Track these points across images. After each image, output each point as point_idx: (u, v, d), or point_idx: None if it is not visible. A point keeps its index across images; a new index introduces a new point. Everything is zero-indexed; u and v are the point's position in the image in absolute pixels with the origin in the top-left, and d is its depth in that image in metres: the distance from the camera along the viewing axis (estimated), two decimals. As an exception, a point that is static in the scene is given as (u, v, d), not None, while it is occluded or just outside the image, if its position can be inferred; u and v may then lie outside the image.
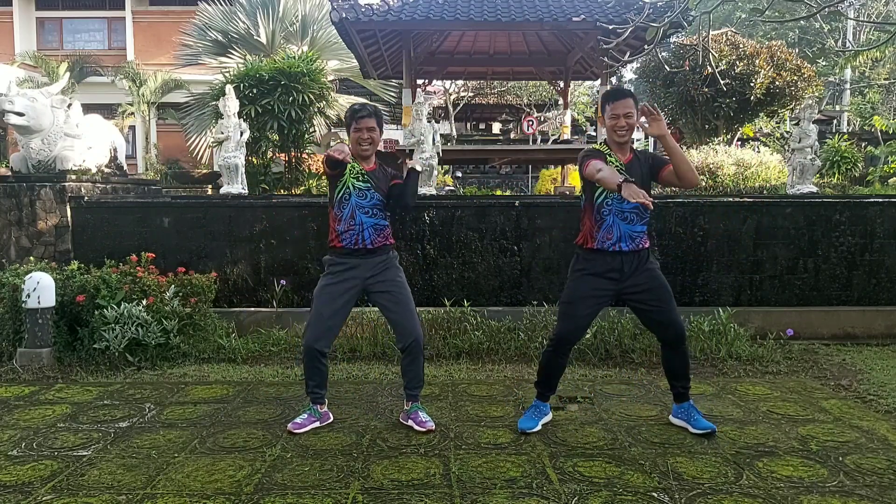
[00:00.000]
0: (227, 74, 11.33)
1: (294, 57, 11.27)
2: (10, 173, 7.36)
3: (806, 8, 5.02)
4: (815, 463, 3.09)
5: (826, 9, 4.82)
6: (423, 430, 3.48)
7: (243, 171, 7.00)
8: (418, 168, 3.69)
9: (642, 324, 3.65)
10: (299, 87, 10.10)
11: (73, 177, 6.73)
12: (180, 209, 6.00)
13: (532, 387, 3.73)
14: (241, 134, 7.01)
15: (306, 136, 10.96)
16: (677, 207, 5.79)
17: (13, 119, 6.64)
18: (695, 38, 14.07)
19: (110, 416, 3.75)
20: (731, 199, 6.11)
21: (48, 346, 4.79)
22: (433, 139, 6.94)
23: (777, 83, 14.09)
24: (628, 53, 8.96)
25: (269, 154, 10.71)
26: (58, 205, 6.45)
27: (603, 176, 3.12)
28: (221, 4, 15.40)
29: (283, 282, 5.70)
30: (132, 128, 18.70)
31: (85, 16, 20.90)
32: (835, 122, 24.14)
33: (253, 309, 5.69)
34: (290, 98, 9.99)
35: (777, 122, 16.97)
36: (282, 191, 10.41)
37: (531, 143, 19.13)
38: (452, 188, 17.91)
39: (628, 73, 27.15)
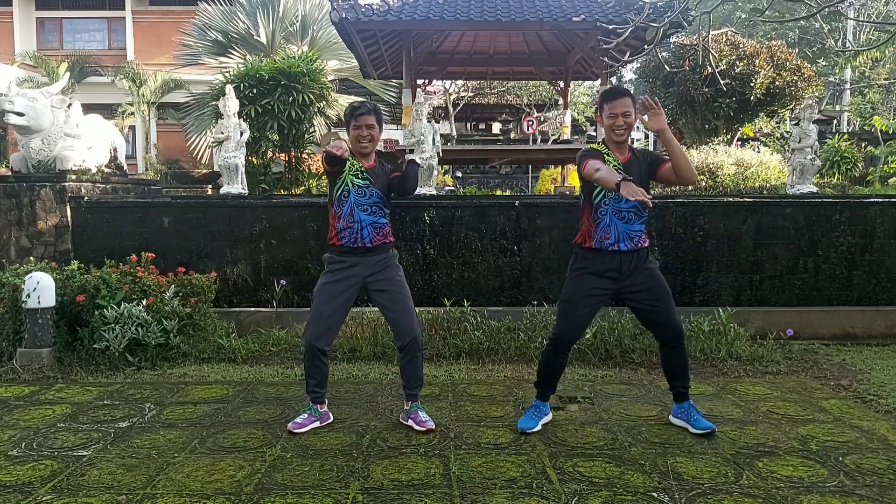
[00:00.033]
0: (227, 74, 11.33)
1: (294, 57, 11.27)
2: (10, 173, 7.36)
3: (806, 8, 5.02)
4: (815, 463, 3.09)
5: (826, 9, 4.82)
6: (423, 429, 3.48)
7: (243, 171, 7.00)
8: (418, 161, 3.68)
9: (641, 323, 3.66)
10: (299, 87, 10.10)
11: (73, 177, 6.73)
12: (180, 209, 6.00)
13: (532, 387, 3.73)
14: (241, 134, 7.00)
15: (306, 136, 10.96)
16: (677, 207, 5.79)
17: (13, 119, 6.64)
18: (695, 38, 14.07)
19: (110, 416, 3.75)
20: (731, 199, 6.11)
21: (48, 346, 4.79)
22: (433, 139, 6.94)
23: (777, 83, 14.10)
24: (628, 53, 8.97)
25: (269, 154, 10.71)
26: (58, 205, 6.46)
27: (601, 175, 3.12)
28: (221, 4, 15.41)
29: (283, 282, 5.70)
30: (132, 128, 18.71)
31: (85, 16, 20.91)
32: (835, 122, 24.15)
33: (253, 309, 5.69)
34: (290, 98, 9.99)
35: (777, 122, 16.98)
36: (282, 191, 10.41)
37: (531, 143, 19.13)
38: (452, 188, 17.91)
39: (628, 73, 27.17)
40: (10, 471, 3.02)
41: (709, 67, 11.83)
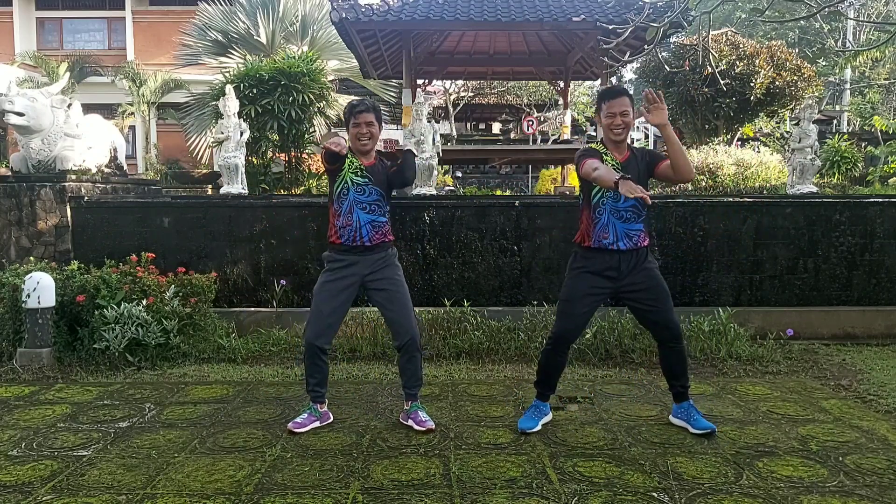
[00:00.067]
0: (227, 74, 11.33)
1: (294, 57, 11.28)
2: (10, 173, 7.36)
3: (806, 8, 5.02)
4: (815, 463, 3.09)
5: (826, 9, 4.82)
6: (423, 429, 3.48)
7: (243, 171, 7.00)
8: (414, 150, 3.66)
9: (639, 323, 3.66)
10: (299, 87, 10.10)
11: (73, 177, 6.73)
12: (180, 209, 6.00)
13: (532, 387, 3.73)
14: (241, 134, 7.00)
15: (306, 136, 10.96)
16: (677, 207, 5.79)
17: (13, 119, 6.64)
18: (695, 38, 14.07)
19: (110, 416, 3.75)
20: (731, 199, 6.11)
21: (48, 346, 4.79)
22: (433, 139, 6.93)
23: (777, 83, 14.10)
24: (628, 53, 8.97)
25: (269, 154, 10.71)
26: (58, 205, 6.45)
27: (599, 175, 3.12)
28: (221, 4, 15.40)
29: (283, 282, 5.70)
30: (132, 128, 18.71)
31: (85, 16, 20.91)
32: (835, 122, 24.14)
33: (253, 309, 5.69)
34: (290, 98, 9.99)
35: (777, 122, 16.98)
36: (282, 191, 10.42)
37: (531, 143, 19.13)
38: (452, 188, 17.90)
39: (628, 73, 27.19)
40: (10, 471, 3.02)
41: (709, 67, 11.83)
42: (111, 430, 3.53)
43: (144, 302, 4.89)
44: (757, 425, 3.59)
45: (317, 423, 3.56)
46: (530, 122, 20.46)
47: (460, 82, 23.60)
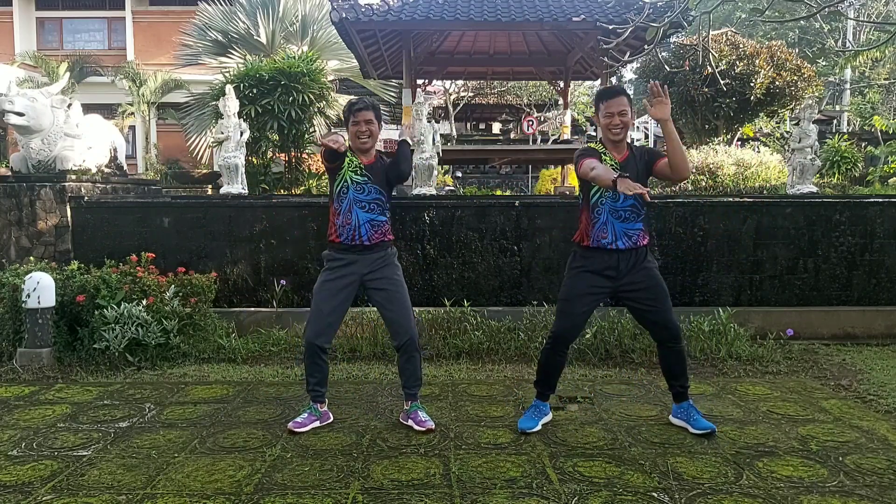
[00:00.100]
0: (227, 74, 11.32)
1: (294, 57, 11.27)
2: (10, 173, 7.36)
3: (806, 8, 5.02)
4: (815, 463, 3.09)
5: (826, 9, 4.82)
6: (423, 429, 3.48)
7: (243, 171, 7.00)
8: (409, 140, 3.64)
9: (638, 323, 3.66)
10: (299, 87, 10.09)
11: (73, 177, 6.73)
12: (180, 209, 6.00)
13: (532, 387, 3.73)
14: (241, 134, 7.00)
15: (306, 136, 10.95)
16: (677, 207, 5.79)
17: (13, 119, 6.64)
18: (695, 38, 14.07)
19: (110, 416, 3.75)
20: (731, 199, 6.11)
21: (48, 346, 4.79)
22: (433, 139, 6.93)
23: (777, 83, 14.10)
24: (628, 53, 8.97)
25: (269, 154, 10.71)
26: (58, 205, 6.46)
27: (597, 174, 3.13)
28: (221, 4, 15.40)
29: (283, 282, 5.70)
30: (132, 128, 18.70)
31: (85, 16, 20.90)
32: (835, 122, 24.14)
33: (253, 309, 5.69)
34: (290, 98, 9.98)
35: (777, 122, 16.98)
36: (282, 191, 10.41)
37: (531, 143, 19.12)
38: (452, 188, 17.90)
39: (628, 73, 27.19)
40: (10, 471, 3.02)
41: (709, 67, 11.83)
42: (111, 430, 3.53)
43: (144, 302, 4.89)
44: (757, 425, 3.59)
45: (317, 423, 3.56)
46: (530, 122, 20.46)
47: (460, 82, 23.60)
